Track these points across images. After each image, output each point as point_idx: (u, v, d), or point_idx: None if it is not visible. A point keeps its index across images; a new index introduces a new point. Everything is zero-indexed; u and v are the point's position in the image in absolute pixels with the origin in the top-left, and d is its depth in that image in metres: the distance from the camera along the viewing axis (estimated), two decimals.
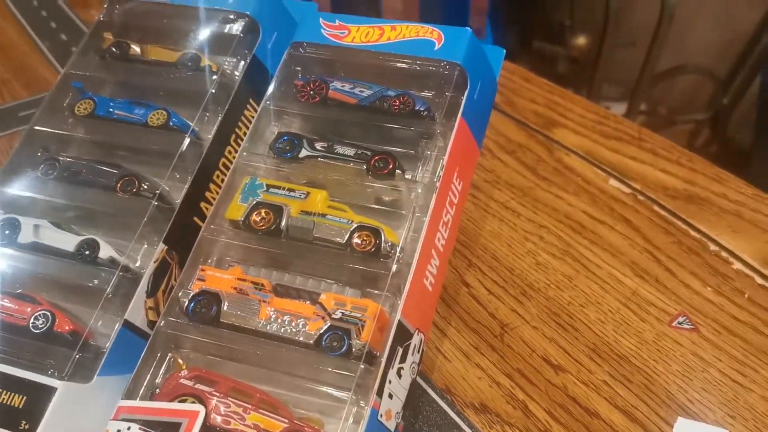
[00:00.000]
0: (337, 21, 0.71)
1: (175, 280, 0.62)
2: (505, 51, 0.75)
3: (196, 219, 0.65)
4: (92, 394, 0.56)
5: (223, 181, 0.66)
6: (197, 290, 0.57)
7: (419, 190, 0.62)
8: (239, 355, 0.56)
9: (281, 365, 0.55)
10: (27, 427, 0.52)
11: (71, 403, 0.54)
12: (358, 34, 0.70)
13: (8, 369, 0.55)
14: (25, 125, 1.02)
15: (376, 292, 0.58)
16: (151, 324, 0.60)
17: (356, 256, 0.59)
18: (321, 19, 0.71)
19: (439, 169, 0.62)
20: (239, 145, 0.69)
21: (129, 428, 0.50)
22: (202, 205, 0.66)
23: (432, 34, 0.68)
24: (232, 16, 0.74)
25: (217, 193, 0.66)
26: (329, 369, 0.53)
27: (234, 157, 0.68)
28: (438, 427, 0.61)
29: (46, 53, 1.18)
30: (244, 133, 0.70)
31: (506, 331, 0.69)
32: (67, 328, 0.59)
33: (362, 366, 0.52)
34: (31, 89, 1.11)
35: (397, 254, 0.58)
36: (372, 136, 0.67)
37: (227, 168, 0.68)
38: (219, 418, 0.50)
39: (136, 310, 0.59)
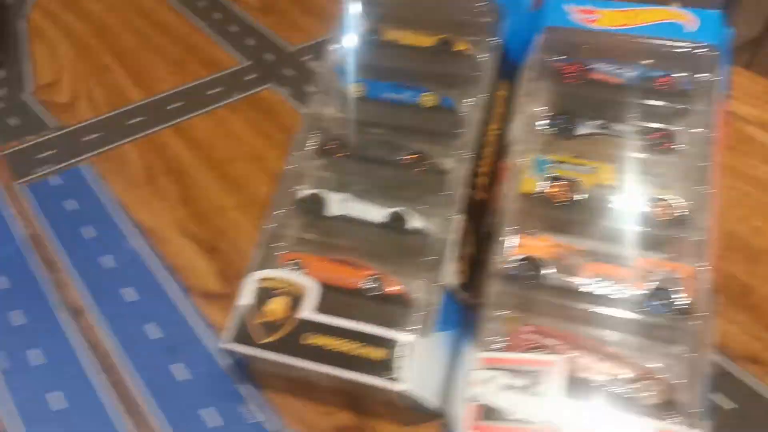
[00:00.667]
0: (588, 5, 0.76)
1: (472, 246, 0.69)
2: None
3: (474, 191, 0.72)
4: (434, 347, 0.63)
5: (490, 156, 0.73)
6: (521, 256, 0.64)
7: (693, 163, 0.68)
8: (564, 314, 0.63)
9: (608, 324, 0.62)
10: (394, 376, 0.60)
11: (422, 355, 0.62)
12: (608, 17, 0.75)
13: (364, 327, 0.63)
14: (215, 104, 1.09)
15: (675, 256, 0.65)
16: (462, 286, 0.67)
17: (654, 223, 0.65)
18: (568, 5, 0.77)
19: (708, 145, 0.68)
20: (498, 124, 0.75)
21: (494, 377, 0.57)
22: (478, 179, 0.73)
23: (684, 17, 0.73)
24: (477, 2, 0.79)
25: (488, 167, 0.73)
26: (656, 326, 0.61)
27: (495, 135, 0.74)
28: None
29: (207, 31, 1.23)
30: (500, 113, 0.76)
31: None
32: (395, 289, 0.66)
33: (695, 323, 0.59)
34: (208, 69, 1.16)
35: (690, 220, 0.65)
36: (637, 114, 0.72)
37: (491, 145, 0.74)
38: (576, 366, 0.57)
39: (447, 274, 0.66)
